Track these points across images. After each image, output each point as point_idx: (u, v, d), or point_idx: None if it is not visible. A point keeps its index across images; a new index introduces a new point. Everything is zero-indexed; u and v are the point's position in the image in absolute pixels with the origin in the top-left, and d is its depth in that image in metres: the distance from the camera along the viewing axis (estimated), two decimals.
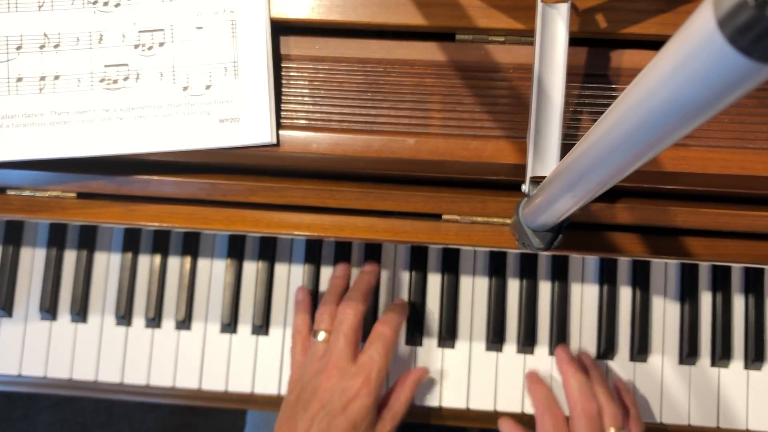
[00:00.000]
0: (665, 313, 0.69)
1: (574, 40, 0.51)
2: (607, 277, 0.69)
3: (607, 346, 0.68)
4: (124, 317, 0.70)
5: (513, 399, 0.68)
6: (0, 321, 0.71)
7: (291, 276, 0.71)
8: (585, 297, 0.69)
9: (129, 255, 0.71)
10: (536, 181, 0.48)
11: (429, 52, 0.55)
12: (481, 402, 0.68)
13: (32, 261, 0.71)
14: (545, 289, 0.70)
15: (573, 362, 0.64)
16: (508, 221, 0.56)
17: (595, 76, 0.54)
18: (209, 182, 0.57)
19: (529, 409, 0.67)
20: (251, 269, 0.71)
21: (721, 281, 0.69)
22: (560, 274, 0.69)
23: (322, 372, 0.59)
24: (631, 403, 0.65)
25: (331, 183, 0.57)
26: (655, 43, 0.53)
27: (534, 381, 0.66)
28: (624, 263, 0.70)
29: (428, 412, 0.68)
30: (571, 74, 0.53)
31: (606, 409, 0.60)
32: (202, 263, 0.71)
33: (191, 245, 0.71)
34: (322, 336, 0.62)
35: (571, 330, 0.69)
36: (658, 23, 0.52)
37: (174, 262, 0.71)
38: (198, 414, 1.22)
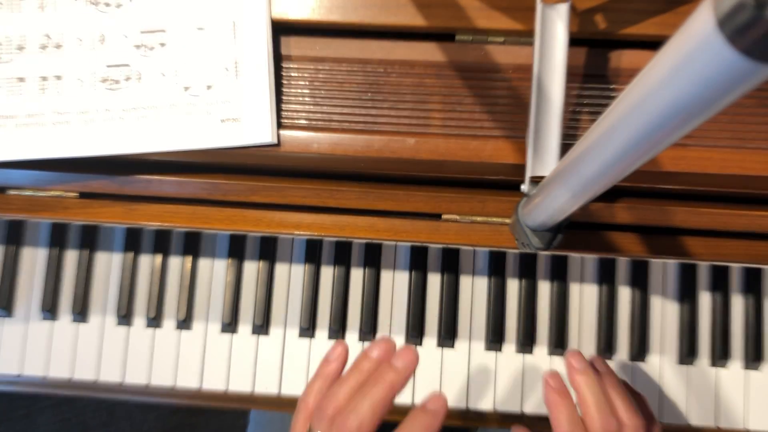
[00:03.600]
0: (664, 312, 0.69)
1: (573, 41, 0.51)
2: (606, 276, 0.69)
3: (606, 346, 0.68)
4: (125, 317, 0.70)
5: (512, 399, 0.68)
6: (1, 321, 0.71)
7: (292, 275, 0.71)
8: (584, 297, 0.70)
9: (130, 255, 0.71)
10: (535, 181, 0.48)
11: (429, 52, 0.55)
12: (481, 401, 0.68)
13: (33, 261, 0.71)
14: (544, 289, 0.70)
15: (587, 372, 0.54)
16: (508, 221, 0.57)
17: (594, 77, 0.54)
18: (210, 182, 0.57)
19: (528, 409, 0.67)
20: (252, 269, 0.71)
21: (720, 281, 0.69)
22: (559, 273, 0.69)
23: None
24: (649, 413, 0.57)
25: (332, 183, 0.57)
26: (654, 44, 0.53)
27: (554, 392, 0.54)
28: (623, 263, 0.70)
29: None
30: (571, 74, 0.53)
31: (627, 424, 0.52)
32: (203, 263, 0.71)
33: (192, 245, 0.71)
34: None
35: (570, 330, 0.69)
36: (658, 23, 0.52)
37: (175, 262, 0.71)
38: (198, 414, 1.22)
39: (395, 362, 0.49)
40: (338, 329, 0.69)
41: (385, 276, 0.70)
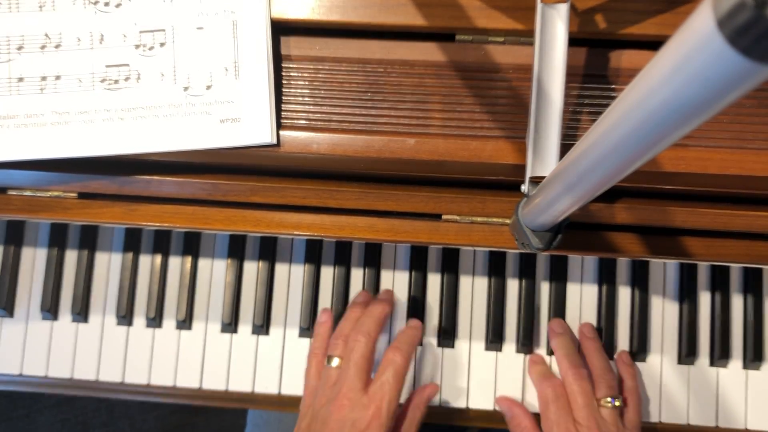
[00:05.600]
0: (664, 312, 0.69)
1: (573, 41, 0.51)
2: (606, 277, 0.69)
3: (606, 346, 0.68)
4: (125, 317, 0.70)
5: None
6: (1, 321, 0.71)
7: (291, 276, 0.71)
8: (584, 297, 0.70)
9: (130, 255, 0.71)
10: (535, 181, 0.48)
11: (429, 52, 0.55)
12: (481, 401, 0.68)
13: (33, 261, 0.71)
14: (544, 289, 0.70)
15: (564, 335, 0.66)
16: (508, 221, 0.57)
17: (594, 77, 0.54)
18: (210, 182, 0.57)
19: (528, 409, 0.67)
20: (252, 269, 0.71)
21: (719, 281, 0.69)
22: (559, 274, 0.69)
23: (333, 401, 0.57)
24: (630, 376, 0.66)
25: (331, 183, 0.57)
26: (654, 44, 0.53)
27: (534, 362, 0.68)
28: (623, 263, 0.70)
29: (428, 411, 0.68)
30: (571, 74, 0.53)
31: (600, 378, 0.63)
32: (203, 263, 0.71)
33: (192, 245, 0.71)
34: (335, 362, 0.61)
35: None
36: (658, 23, 0.52)
37: (175, 262, 0.71)
38: (199, 413, 1.22)
39: (380, 296, 0.65)
40: None
41: (385, 276, 0.70)
